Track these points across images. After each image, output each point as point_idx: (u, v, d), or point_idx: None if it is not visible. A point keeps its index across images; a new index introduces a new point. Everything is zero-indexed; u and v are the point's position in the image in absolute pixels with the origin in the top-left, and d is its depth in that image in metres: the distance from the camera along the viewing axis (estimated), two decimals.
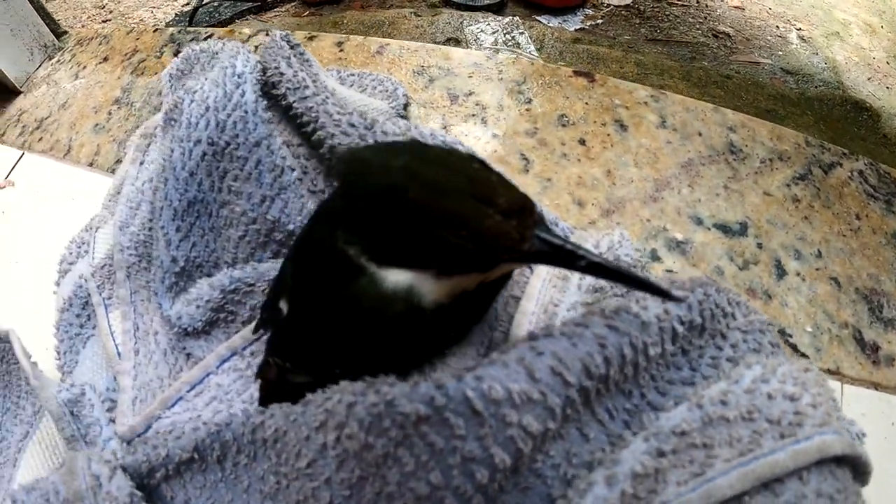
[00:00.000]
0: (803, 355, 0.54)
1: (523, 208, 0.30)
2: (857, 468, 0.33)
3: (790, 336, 0.55)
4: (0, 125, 0.76)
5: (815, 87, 0.87)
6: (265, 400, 0.43)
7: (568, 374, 0.30)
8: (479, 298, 0.35)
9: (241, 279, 0.46)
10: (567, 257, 0.30)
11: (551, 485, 0.31)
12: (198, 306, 0.47)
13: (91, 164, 0.68)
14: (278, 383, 0.41)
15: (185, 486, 0.40)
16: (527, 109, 0.62)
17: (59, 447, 0.48)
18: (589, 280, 0.42)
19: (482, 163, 0.31)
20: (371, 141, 0.49)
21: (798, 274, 0.57)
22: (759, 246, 0.58)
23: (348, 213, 0.33)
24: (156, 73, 0.74)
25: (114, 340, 0.52)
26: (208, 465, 0.39)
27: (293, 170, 0.48)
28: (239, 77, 0.50)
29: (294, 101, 0.50)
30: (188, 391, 0.46)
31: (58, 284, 0.58)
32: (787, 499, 0.31)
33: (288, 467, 0.36)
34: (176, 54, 0.72)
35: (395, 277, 0.32)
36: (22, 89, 0.81)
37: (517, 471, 0.31)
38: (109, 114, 0.72)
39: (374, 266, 0.32)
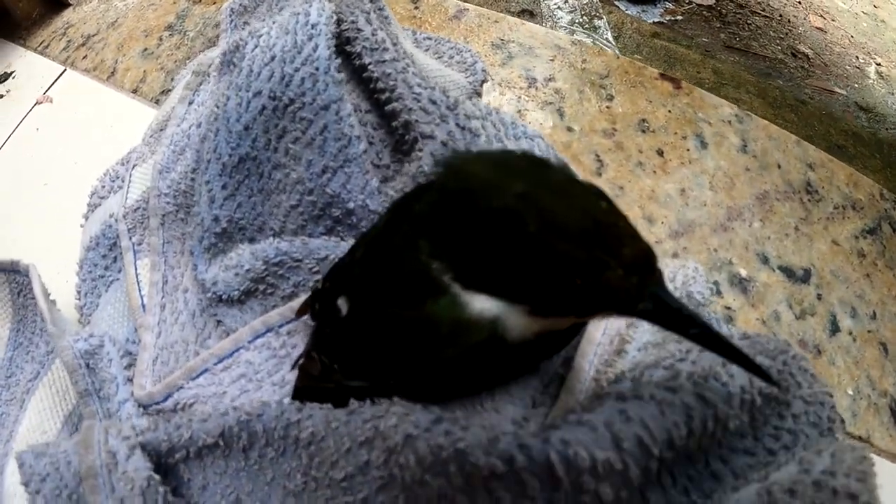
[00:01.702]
0: (840, 419, 0.51)
1: (648, 264, 0.25)
2: None
3: (832, 395, 0.51)
4: (45, 36, 0.67)
5: (888, 129, 0.80)
6: (300, 394, 0.38)
7: (653, 446, 0.25)
8: (565, 336, 0.30)
9: (287, 252, 0.40)
10: (681, 322, 0.25)
11: None
12: (236, 274, 0.41)
13: (135, 91, 0.60)
14: (321, 380, 0.36)
15: (204, 469, 0.35)
16: (607, 107, 0.55)
17: (70, 395, 0.43)
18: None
19: (609, 201, 0.25)
20: (452, 124, 0.42)
21: (850, 333, 0.52)
22: (819, 297, 0.52)
23: (440, 225, 0.27)
24: (214, 2, 0.66)
25: (139, 291, 0.46)
26: (232, 451, 0.35)
27: (361, 140, 0.41)
28: (312, 27, 0.42)
29: (370, 63, 0.43)
30: (216, 364, 0.40)
31: (86, 218, 0.52)
32: None
33: (321, 473, 0.31)
34: None
35: (482, 305, 0.26)
36: (72, 1, 0.72)
37: None
38: (160, 39, 0.64)
39: (459, 287, 0.27)
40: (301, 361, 0.37)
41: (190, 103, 0.49)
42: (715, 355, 0.26)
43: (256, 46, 0.43)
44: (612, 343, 0.38)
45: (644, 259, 0.24)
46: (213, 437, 0.34)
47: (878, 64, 0.87)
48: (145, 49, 0.63)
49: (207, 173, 0.42)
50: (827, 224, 0.55)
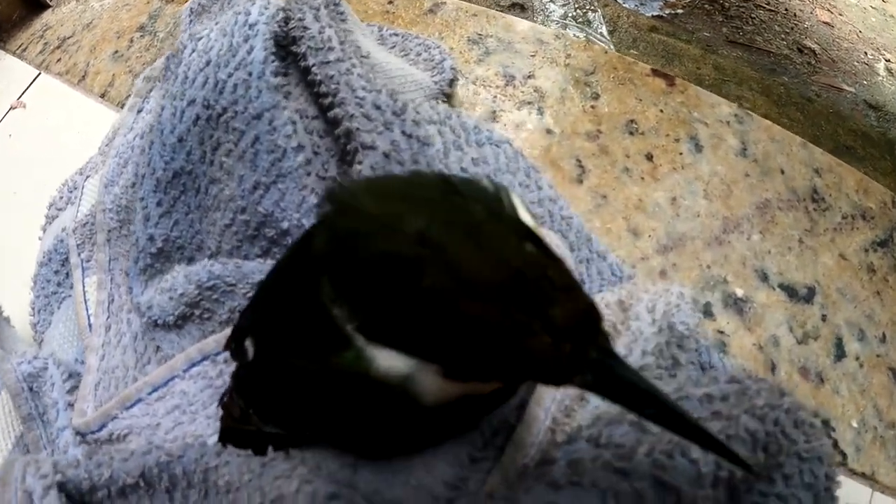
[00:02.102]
0: (842, 453, 0.42)
1: (585, 325, 0.18)
2: None
3: (833, 429, 0.42)
4: (24, 39, 0.62)
5: None
6: (225, 435, 0.31)
7: None
8: (491, 402, 0.22)
9: (220, 276, 0.34)
10: (633, 399, 0.18)
11: None
12: (171, 297, 0.35)
13: (103, 96, 0.55)
14: (242, 422, 0.29)
15: None
16: (592, 107, 0.46)
17: (17, 422, 0.38)
18: (635, 356, 0.29)
19: (539, 244, 0.18)
20: (397, 132, 0.34)
21: (857, 358, 0.44)
22: (824, 318, 0.43)
23: (337, 268, 0.20)
24: (186, 1, 0.59)
25: (87, 310, 0.40)
26: (156, 492, 0.29)
27: (299, 152, 0.34)
28: (250, 28, 0.35)
29: (314, 65, 0.35)
30: (149, 393, 0.35)
31: (43, 231, 0.46)
32: None
33: None
34: None
35: (389, 362, 0.20)
36: (51, 2, 0.66)
37: None
38: (131, 41, 0.58)
39: (363, 340, 0.20)
40: (225, 400, 0.30)
41: (139, 111, 0.42)
42: None
43: (194, 51, 0.36)
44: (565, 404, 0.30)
45: (582, 320, 0.17)
46: (133, 478, 0.29)
47: (888, 60, 0.76)
48: (116, 51, 0.57)
49: (142, 189, 0.36)
50: (834, 236, 0.45)
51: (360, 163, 0.32)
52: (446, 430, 0.27)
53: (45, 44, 0.60)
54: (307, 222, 0.33)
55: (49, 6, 0.65)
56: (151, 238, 0.36)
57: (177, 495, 0.29)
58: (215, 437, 0.33)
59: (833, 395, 0.42)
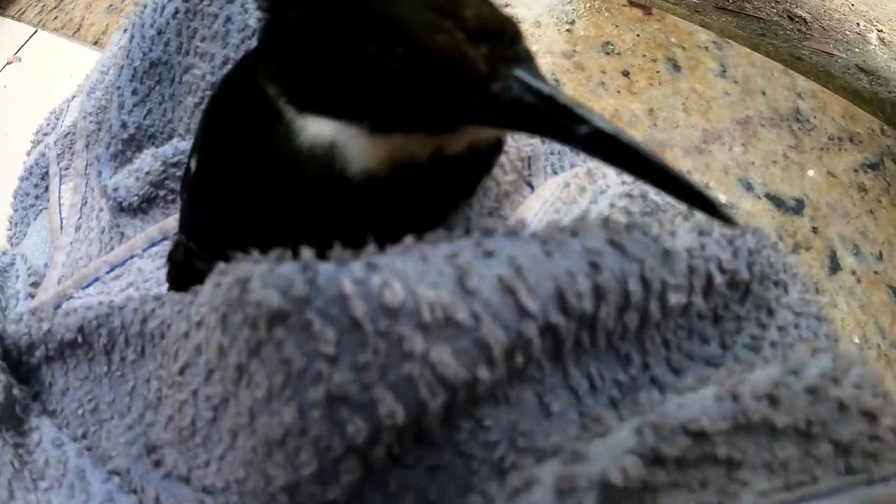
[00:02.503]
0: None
1: (502, 32, 0.16)
2: None
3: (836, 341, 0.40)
4: (22, 4, 0.66)
5: (890, 91, 0.68)
6: (170, 288, 0.30)
7: (526, 297, 0.16)
8: (435, 183, 0.21)
9: (185, 151, 0.34)
10: (560, 117, 0.16)
11: (476, 470, 0.18)
12: (137, 178, 0.35)
13: (96, 43, 0.57)
14: (183, 268, 0.28)
15: (66, 373, 0.29)
16: (567, 30, 0.47)
17: None
18: (602, 206, 0.28)
19: None
20: None
21: (854, 273, 0.41)
22: (815, 230, 0.42)
23: (270, 37, 0.20)
24: None
25: (60, 214, 0.40)
26: (95, 353, 0.28)
27: None
28: None
29: None
30: (107, 272, 0.34)
31: (28, 154, 0.48)
32: None
33: (166, 371, 0.24)
34: None
35: (317, 129, 0.19)
36: None
37: (424, 438, 0.17)
38: None
39: (294, 111, 0.20)
40: (171, 251, 0.30)
41: (125, 31, 0.44)
42: None
43: None
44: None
45: (497, 25, 0.16)
46: (72, 332, 0.28)
47: (881, 31, 0.77)
48: (110, 5, 0.61)
49: (120, 79, 0.37)
50: (821, 154, 0.45)
51: None
52: (396, 226, 0.25)
53: (43, 6, 0.64)
54: None
55: None
56: (124, 125, 0.36)
57: (115, 357, 0.27)
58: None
59: (831, 308, 0.40)
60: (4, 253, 0.39)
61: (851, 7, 0.80)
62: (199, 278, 0.25)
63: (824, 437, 0.17)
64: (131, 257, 0.34)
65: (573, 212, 0.28)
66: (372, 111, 0.18)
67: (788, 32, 0.71)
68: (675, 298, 0.19)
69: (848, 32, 0.75)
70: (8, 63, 0.59)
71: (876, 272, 0.42)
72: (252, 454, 0.19)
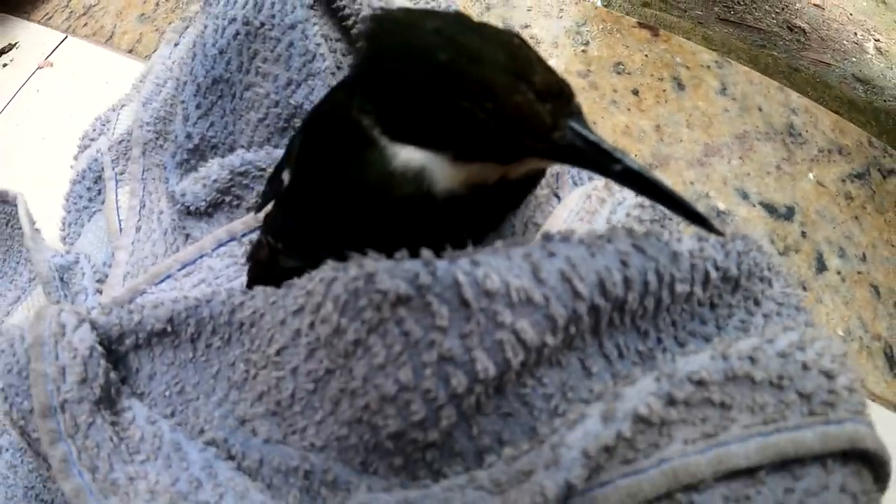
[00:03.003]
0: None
1: (561, 93, 0.25)
2: (878, 476, 0.27)
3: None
4: (49, 9, 0.73)
5: (885, 100, 0.78)
6: (252, 283, 0.38)
7: (579, 283, 0.24)
8: (498, 200, 0.30)
9: (252, 162, 0.42)
10: (602, 158, 0.24)
11: (538, 416, 0.26)
12: (204, 185, 0.43)
13: (130, 51, 0.64)
14: (268, 266, 0.36)
15: (153, 359, 0.36)
16: (583, 51, 0.56)
17: None
18: (620, 215, 0.37)
19: (523, 40, 0.26)
20: None
21: (839, 273, 0.51)
22: (804, 235, 0.51)
23: (368, 76, 0.28)
24: None
25: (118, 216, 0.48)
26: (181, 341, 0.35)
27: (325, 59, 0.43)
28: None
29: None
30: (178, 270, 0.42)
31: (76, 159, 0.55)
32: (808, 485, 0.25)
33: (258, 354, 0.31)
34: None
35: (408, 155, 0.27)
36: None
37: (501, 391, 0.26)
38: (157, 4, 0.68)
39: (387, 140, 0.27)
40: (253, 251, 0.38)
41: (175, 45, 0.51)
42: None
43: None
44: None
45: (558, 88, 0.25)
46: (161, 323, 0.35)
47: (878, 40, 0.87)
48: (142, 14, 0.68)
49: (184, 94, 0.45)
50: (811, 165, 0.54)
51: None
52: (468, 233, 0.33)
53: (70, 12, 0.70)
54: None
55: None
56: (189, 136, 0.44)
57: (200, 344, 0.35)
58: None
59: (817, 303, 0.49)
60: (68, 252, 0.46)
61: (850, 17, 0.90)
62: (287, 274, 0.33)
63: (791, 388, 0.26)
64: (201, 256, 0.41)
65: (596, 220, 0.37)
66: (458, 146, 0.26)
67: (787, 43, 0.81)
68: (680, 288, 0.28)
69: (845, 42, 0.85)
70: (39, 68, 0.65)
71: (859, 272, 0.51)
72: (361, 412, 0.27)
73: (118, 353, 0.37)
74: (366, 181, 0.28)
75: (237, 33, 0.44)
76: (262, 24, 0.43)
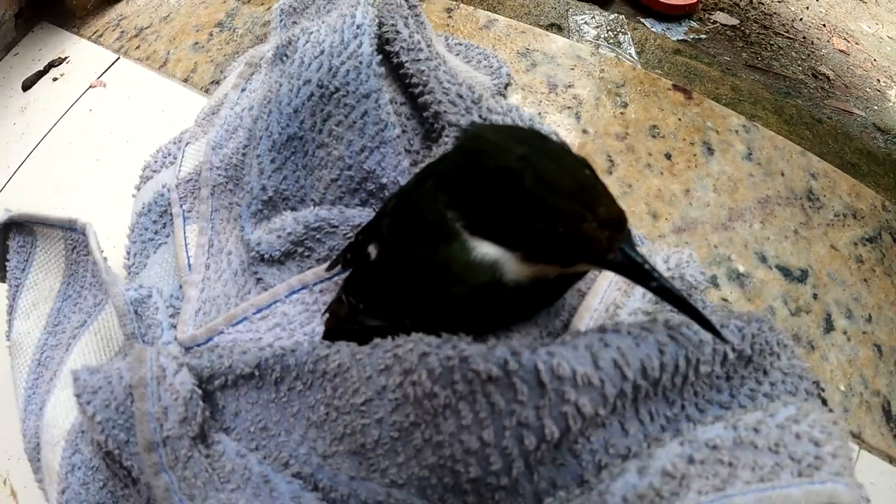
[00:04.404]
0: (830, 411, 0.59)
1: (619, 222, 0.34)
2: None
3: (823, 390, 0.59)
4: (99, 27, 0.81)
5: None
6: (329, 335, 0.48)
7: (627, 369, 0.35)
8: (554, 287, 0.40)
9: (326, 219, 0.52)
10: (642, 275, 0.34)
11: (585, 467, 0.36)
12: (279, 236, 0.52)
13: (186, 80, 0.73)
14: (347, 322, 0.46)
15: (238, 398, 0.45)
16: (621, 113, 0.66)
17: (114, 340, 0.54)
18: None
19: (592, 170, 0.35)
20: (476, 115, 0.53)
21: (845, 332, 0.61)
22: (815, 296, 0.61)
23: (457, 180, 0.37)
24: (262, 4, 0.79)
25: (187, 252, 0.57)
26: (265, 384, 0.45)
27: (395, 126, 0.52)
28: (358, 28, 0.54)
29: (406, 62, 0.55)
30: (254, 313, 0.51)
31: (138, 189, 0.64)
32: None
33: (342, 402, 0.41)
34: None
35: (485, 249, 0.36)
36: None
37: (559, 446, 0.36)
38: (210, 35, 0.77)
39: (468, 234, 0.37)
40: (332, 307, 0.47)
41: (242, 90, 0.61)
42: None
43: (307, 42, 0.55)
44: (606, 310, 0.47)
45: (616, 218, 0.34)
46: (249, 368, 0.44)
47: None
48: (196, 42, 0.77)
49: (259, 148, 0.54)
50: (826, 230, 0.64)
51: (447, 136, 0.51)
52: (515, 317, 0.44)
53: (122, 32, 0.79)
54: (401, 179, 0.51)
55: None
56: (264, 188, 0.53)
57: (283, 387, 0.45)
58: (320, 339, 0.49)
59: (822, 361, 0.60)
60: (141, 286, 0.55)
61: (874, 63, 1.00)
62: (367, 331, 0.43)
63: (785, 453, 0.36)
64: (275, 302, 0.51)
65: (633, 291, 0.47)
66: (530, 251, 0.36)
67: (812, 91, 0.92)
68: (704, 368, 0.38)
69: (868, 89, 0.96)
70: (91, 87, 0.74)
71: (864, 332, 0.61)
72: (445, 460, 0.36)
73: (206, 391, 0.46)
74: (448, 267, 0.38)
75: (311, 94, 0.53)
76: (337, 90, 0.53)
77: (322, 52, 0.54)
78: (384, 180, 0.52)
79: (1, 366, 0.61)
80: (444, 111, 0.53)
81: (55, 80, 0.77)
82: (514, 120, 0.56)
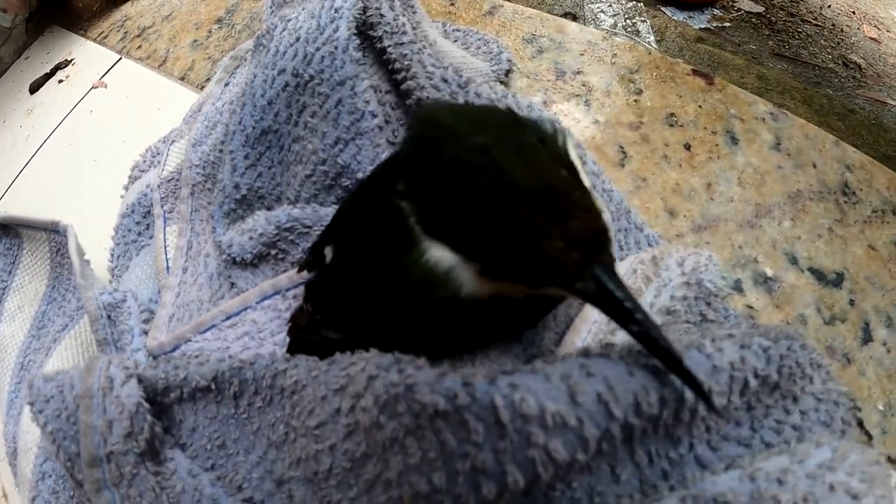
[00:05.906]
0: (867, 433, 0.48)
1: (595, 241, 0.25)
2: None
3: (859, 409, 0.49)
4: (105, 28, 0.76)
5: None
6: (292, 346, 0.40)
7: (614, 406, 0.25)
8: (530, 308, 0.31)
9: (298, 219, 0.44)
10: (621, 313, 0.25)
11: None
12: (251, 238, 0.45)
13: (183, 78, 0.67)
14: (307, 332, 0.38)
15: (196, 412, 0.39)
16: (635, 100, 0.56)
17: (93, 346, 0.48)
18: (664, 298, 0.37)
19: (572, 171, 0.26)
20: (461, 101, 0.44)
21: (885, 344, 0.50)
22: (851, 303, 0.50)
23: (411, 169, 0.29)
24: None
25: (166, 255, 0.51)
26: (224, 398, 0.38)
27: (374, 116, 0.44)
28: (336, 11, 0.46)
29: (389, 46, 0.46)
30: (223, 320, 0.44)
31: (126, 189, 0.58)
32: None
33: (299, 422, 0.33)
34: None
35: (438, 254, 0.28)
36: None
37: (529, 494, 0.27)
38: (209, 32, 0.71)
39: (421, 231, 0.28)
40: (295, 314, 0.40)
41: (226, 85, 0.54)
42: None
43: (284, 29, 0.47)
44: (608, 322, 0.38)
45: (592, 234, 0.25)
46: (206, 380, 0.38)
47: None
48: (195, 40, 0.70)
49: (232, 143, 0.47)
50: (864, 228, 0.53)
51: None
52: (489, 335, 0.35)
53: (126, 32, 0.73)
54: None
55: None
56: (237, 186, 0.46)
57: (242, 402, 0.37)
58: (282, 351, 0.42)
59: (859, 376, 0.49)
60: (116, 290, 0.49)
61: None
62: (326, 344, 0.35)
63: None
64: (245, 308, 0.44)
65: (642, 303, 0.37)
66: (486, 265, 0.27)
67: (843, 80, 0.79)
68: (718, 400, 0.29)
69: None
70: (93, 87, 0.69)
71: None
72: (396, 501, 0.28)
73: (163, 404, 0.40)
74: (400, 276, 0.29)
75: (286, 84, 0.46)
76: (312, 78, 0.45)
77: (298, 39, 0.46)
78: (360, 175, 0.44)
79: None
80: (427, 97, 0.44)
81: (61, 81, 0.72)
82: (507, 106, 0.47)
